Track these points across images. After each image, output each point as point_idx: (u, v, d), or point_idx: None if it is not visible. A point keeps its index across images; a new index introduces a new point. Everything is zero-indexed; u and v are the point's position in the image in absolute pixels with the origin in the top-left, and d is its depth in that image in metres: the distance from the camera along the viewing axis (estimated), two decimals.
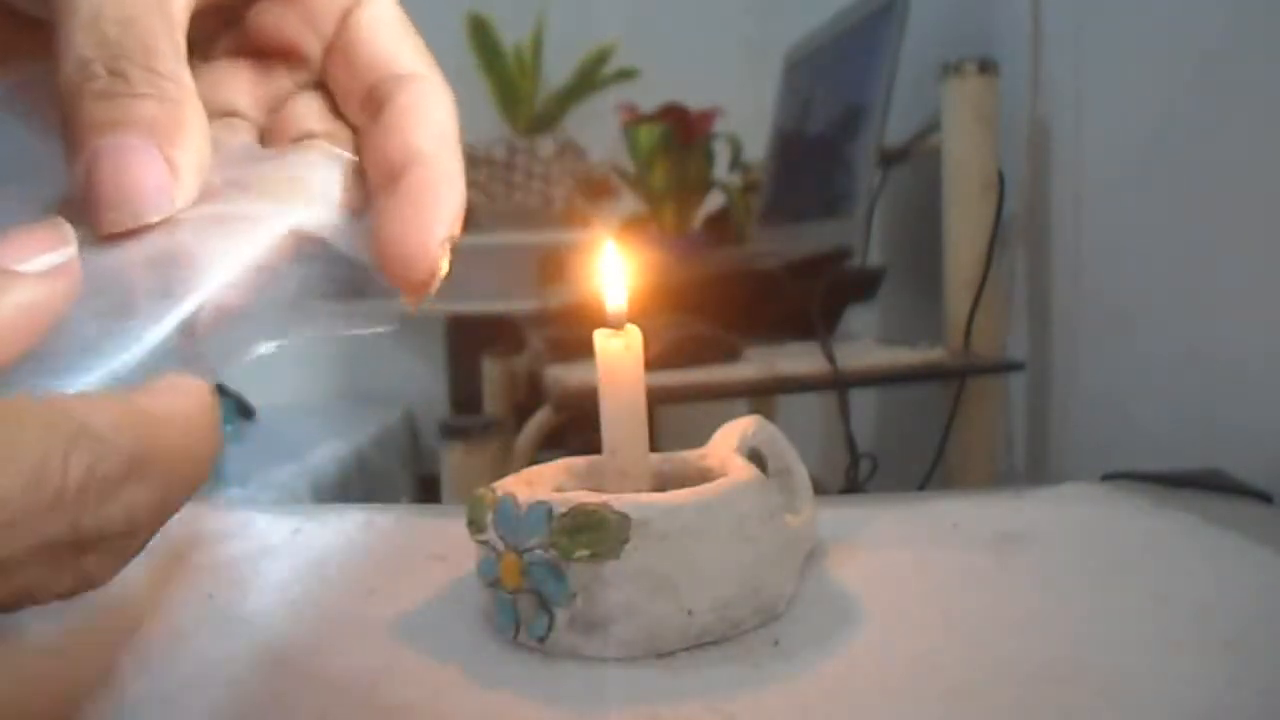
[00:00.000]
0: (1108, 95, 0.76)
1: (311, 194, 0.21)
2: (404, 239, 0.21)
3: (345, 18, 0.23)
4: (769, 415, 0.51)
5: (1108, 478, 0.52)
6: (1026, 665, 0.30)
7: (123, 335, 0.17)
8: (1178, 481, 0.50)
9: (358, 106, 0.23)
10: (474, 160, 1.61)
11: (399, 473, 1.79)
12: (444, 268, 0.21)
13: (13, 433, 0.15)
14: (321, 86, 0.24)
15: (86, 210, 0.18)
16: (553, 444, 0.80)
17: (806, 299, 0.81)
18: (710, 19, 1.76)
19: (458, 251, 0.23)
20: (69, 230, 0.17)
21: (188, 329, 0.18)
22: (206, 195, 0.19)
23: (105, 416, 0.16)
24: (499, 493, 0.34)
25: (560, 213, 1.64)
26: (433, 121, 0.22)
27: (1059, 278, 0.84)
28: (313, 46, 0.23)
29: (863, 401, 1.16)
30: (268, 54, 0.23)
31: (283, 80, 0.23)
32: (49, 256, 0.17)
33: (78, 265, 0.17)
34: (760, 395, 1.09)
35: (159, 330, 0.18)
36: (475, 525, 0.34)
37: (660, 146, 1.30)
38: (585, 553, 0.31)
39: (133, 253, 0.18)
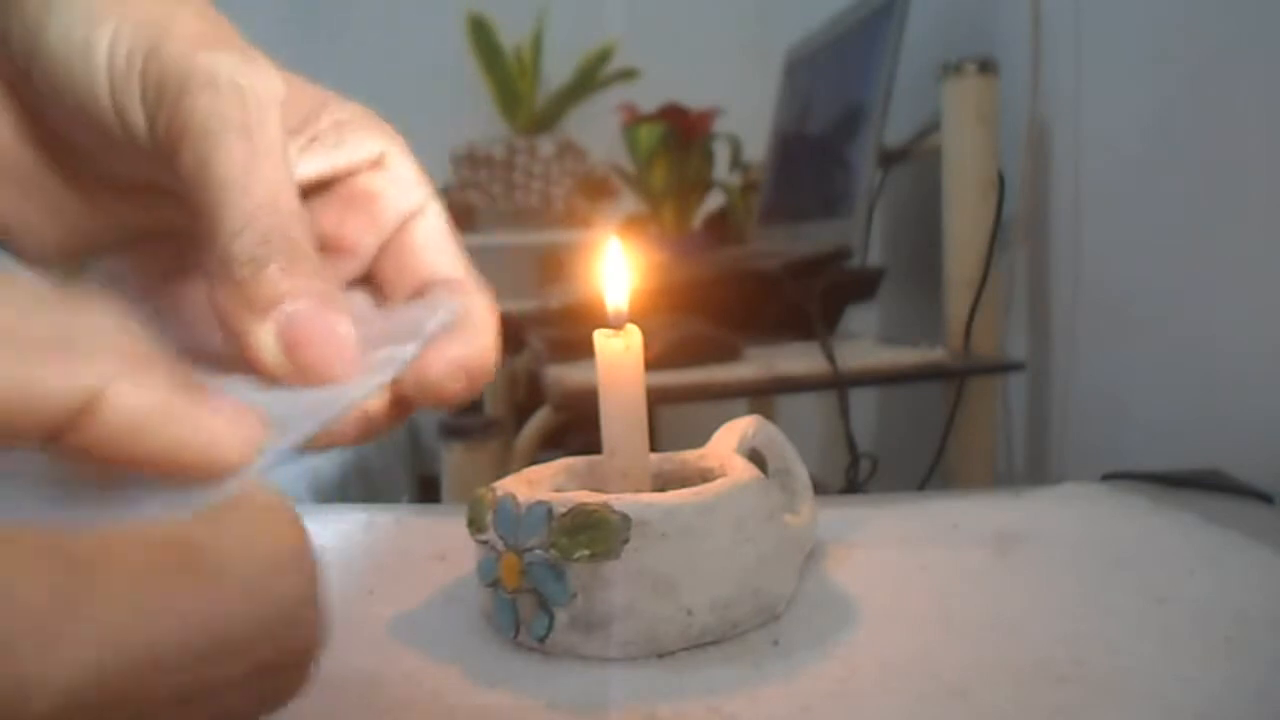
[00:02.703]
0: (1108, 95, 0.76)
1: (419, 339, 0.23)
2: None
3: (405, 223, 0.26)
4: (769, 415, 0.51)
5: (1107, 478, 0.52)
6: (1025, 665, 0.30)
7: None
8: (1177, 481, 0.50)
9: (404, 300, 0.26)
10: (474, 160, 1.61)
11: (399, 473, 1.79)
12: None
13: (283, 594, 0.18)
14: (366, 279, 0.27)
15: (280, 364, 0.20)
16: (553, 444, 0.80)
17: (806, 299, 0.81)
18: (710, 19, 1.76)
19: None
20: None
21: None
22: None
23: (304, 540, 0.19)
24: (499, 493, 0.34)
25: (560, 213, 1.64)
26: (479, 329, 0.24)
27: (1059, 278, 0.84)
28: (369, 246, 0.26)
29: (863, 401, 1.17)
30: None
31: (331, 269, 0.26)
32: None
33: None
34: (760, 395, 1.09)
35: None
36: (475, 525, 0.34)
37: (660, 146, 1.30)
38: (585, 553, 0.31)
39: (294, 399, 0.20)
